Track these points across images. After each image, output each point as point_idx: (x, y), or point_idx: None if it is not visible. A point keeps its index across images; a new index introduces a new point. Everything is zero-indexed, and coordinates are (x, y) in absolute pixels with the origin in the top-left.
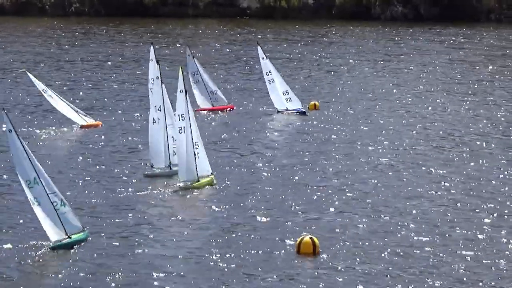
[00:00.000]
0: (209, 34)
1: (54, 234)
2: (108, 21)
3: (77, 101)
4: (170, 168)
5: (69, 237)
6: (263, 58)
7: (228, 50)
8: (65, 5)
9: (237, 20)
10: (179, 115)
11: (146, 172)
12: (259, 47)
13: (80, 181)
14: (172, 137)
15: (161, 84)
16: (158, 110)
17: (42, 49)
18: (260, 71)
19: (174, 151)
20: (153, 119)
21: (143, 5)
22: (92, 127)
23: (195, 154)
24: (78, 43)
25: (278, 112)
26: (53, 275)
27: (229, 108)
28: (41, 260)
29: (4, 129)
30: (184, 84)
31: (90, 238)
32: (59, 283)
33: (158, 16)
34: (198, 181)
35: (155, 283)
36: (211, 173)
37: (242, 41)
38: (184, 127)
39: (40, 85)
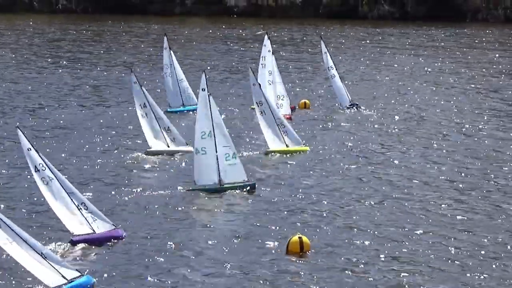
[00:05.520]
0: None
1: (212, 179)
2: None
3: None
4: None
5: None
6: (325, 53)
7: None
8: (53, 2)
9: (225, 19)
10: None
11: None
12: (322, 41)
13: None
14: (166, 128)
15: (140, 87)
16: (144, 107)
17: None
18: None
19: (171, 139)
20: (141, 115)
21: (131, 2)
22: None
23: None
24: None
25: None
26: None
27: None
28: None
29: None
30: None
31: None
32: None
33: (145, 14)
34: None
35: (150, 279)
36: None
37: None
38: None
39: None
